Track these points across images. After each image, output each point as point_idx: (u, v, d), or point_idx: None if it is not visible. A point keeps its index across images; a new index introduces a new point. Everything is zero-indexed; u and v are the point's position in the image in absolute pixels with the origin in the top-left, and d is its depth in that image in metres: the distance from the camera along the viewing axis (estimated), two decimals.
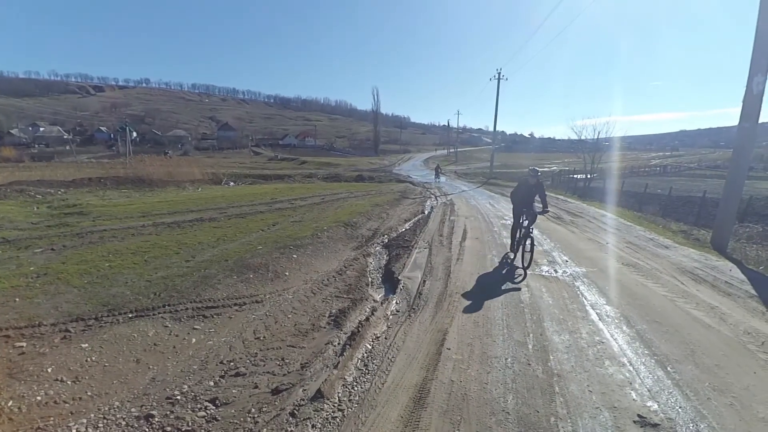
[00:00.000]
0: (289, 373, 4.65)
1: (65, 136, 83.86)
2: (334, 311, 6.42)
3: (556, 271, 8.24)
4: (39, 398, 3.93)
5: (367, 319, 6.08)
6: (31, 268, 7.52)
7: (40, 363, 4.47)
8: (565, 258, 9.23)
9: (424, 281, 7.76)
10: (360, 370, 4.74)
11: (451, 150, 79.83)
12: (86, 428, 3.61)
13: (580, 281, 7.59)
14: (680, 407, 3.84)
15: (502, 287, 7.27)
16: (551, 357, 4.77)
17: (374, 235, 12.13)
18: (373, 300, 7.17)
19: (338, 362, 4.82)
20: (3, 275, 7.09)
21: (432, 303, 6.66)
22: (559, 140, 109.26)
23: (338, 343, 5.38)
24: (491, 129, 49.06)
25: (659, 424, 3.60)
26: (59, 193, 19.05)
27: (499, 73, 38.18)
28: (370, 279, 8.39)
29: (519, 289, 7.13)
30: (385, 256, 10.05)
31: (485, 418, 3.69)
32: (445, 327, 5.67)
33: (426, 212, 16.61)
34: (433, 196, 22.25)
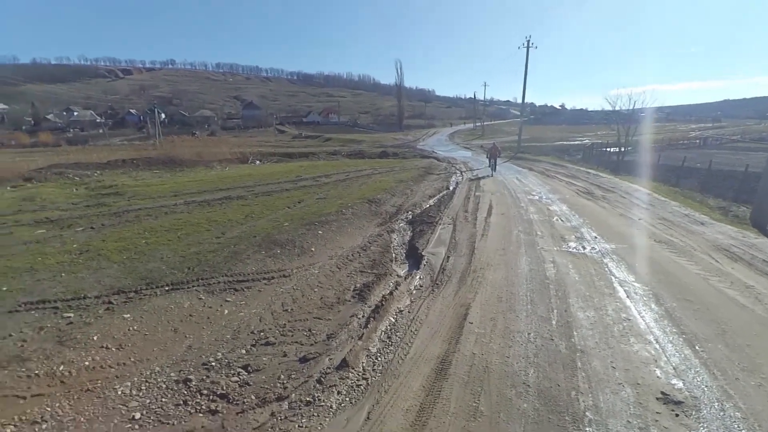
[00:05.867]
0: (315, 343, 4.84)
1: (98, 120, 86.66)
2: (358, 285, 6.57)
3: (584, 248, 8.08)
4: (87, 363, 4.28)
5: (391, 293, 6.20)
6: (74, 246, 8.00)
7: (86, 332, 4.83)
8: (595, 234, 9.02)
9: (448, 257, 7.79)
10: (383, 341, 4.88)
11: (477, 123, 77.66)
12: (130, 390, 3.92)
13: (608, 258, 7.44)
14: (706, 386, 3.79)
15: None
16: (575, 333, 4.76)
17: (398, 212, 12.16)
18: (397, 275, 7.27)
19: (362, 334, 4.98)
20: (49, 252, 7.59)
21: (455, 278, 6.71)
22: (591, 111, 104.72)
23: (362, 316, 5.53)
24: (520, 101, 47.11)
25: (683, 402, 3.58)
26: (95, 174, 19.89)
27: (528, 41, 36.27)
28: (394, 255, 8.48)
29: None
30: (409, 232, 10.09)
31: (506, 390, 3.76)
32: (468, 302, 5.72)
33: (451, 188, 16.46)
34: (458, 172, 21.95)
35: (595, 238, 8.76)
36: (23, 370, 4.12)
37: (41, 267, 6.84)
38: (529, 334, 4.76)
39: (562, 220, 10.37)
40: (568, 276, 6.57)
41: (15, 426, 3.43)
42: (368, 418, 3.54)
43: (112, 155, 27.64)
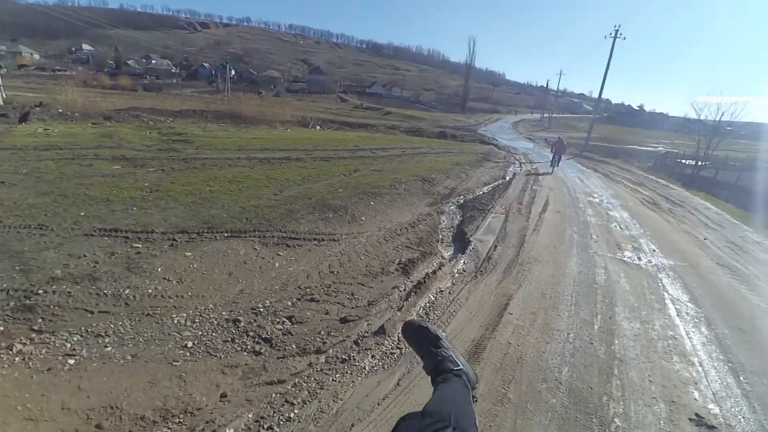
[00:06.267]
0: (356, 307, 5.07)
1: (173, 70, 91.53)
2: (403, 260, 6.71)
3: (639, 259, 7.69)
4: (150, 291, 4.76)
5: (434, 272, 6.29)
6: (146, 184, 8.74)
7: (152, 263, 5.33)
8: (653, 247, 8.52)
9: (496, 246, 7.72)
10: (421, 317, 5.02)
11: (545, 114, 73.81)
12: (185, 321, 4.35)
13: (664, 273, 7.04)
14: (743, 417, 3.61)
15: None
16: (616, 341, 4.64)
17: (450, 194, 12.09)
18: (442, 256, 7.33)
19: (402, 306, 5.14)
20: (123, 187, 8.36)
21: (501, 268, 6.68)
22: (672, 117, 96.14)
23: (404, 289, 5.68)
24: (595, 95, 43.97)
25: (716, 428, 3.44)
26: (168, 121, 21.24)
27: (617, 31, 33.39)
28: (441, 236, 8.52)
29: None
30: (458, 216, 10.05)
31: (537, 383, 3.79)
32: (511, 293, 5.69)
33: (507, 178, 16.03)
34: (517, 162, 21.24)
35: (654, 251, 8.28)
36: (94, 288, 4.64)
37: (115, 199, 7.56)
38: (568, 334, 4.70)
39: (620, 227, 9.87)
40: (619, 284, 6.32)
41: (81, 336, 3.90)
42: (398, 384, 3.72)
43: (183, 105, 29.32)
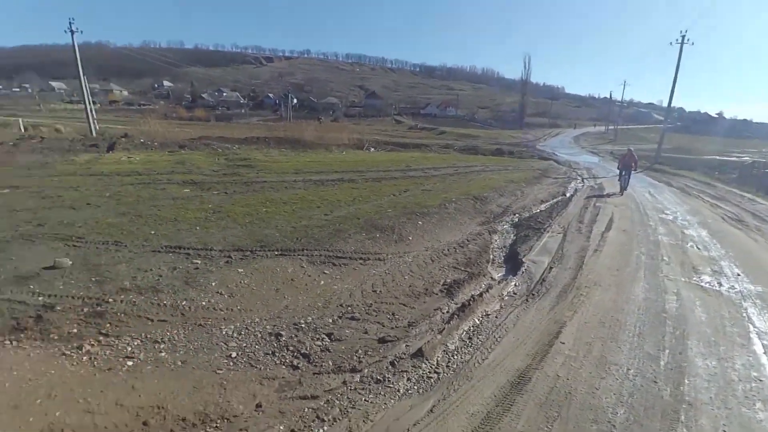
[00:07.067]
0: (396, 327, 4.99)
1: (241, 101, 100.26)
2: (448, 281, 6.54)
3: (720, 284, 6.83)
4: (204, 303, 5.09)
5: (481, 294, 6.05)
6: (209, 206, 9.42)
7: (207, 277, 5.70)
8: (738, 271, 7.53)
9: (551, 268, 7.28)
10: (463, 341, 4.82)
11: (610, 127, 69.52)
12: (233, 332, 4.59)
13: (750, 302, 6.16)
14: None
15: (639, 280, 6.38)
16: (686, 381, 4.10)
17: (504, 213, 11.69)
18: (491, 278, 7.06)
19: (443, 329, 4.97)
20: (190, 208, 9.09)
21: (555, 292, 6.26)
22: (757, 123, 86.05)
23: (447, 311, 5.51)
24: (665, 104, 40.81)
25: None
26: (234, 148, 22.92)
27: (683, 37, 30.87)
28: (491, 256, 8.23)
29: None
30: (512, 235, 9.65)
31: (585, 424, 3.43)
32: (564, 320, 5.30)
33: (567, 195, 15.18)
34: (579, 178, 20.08)
35: (738, 275, 7.31)
36: (156, 298, 5.07)
37: (182, 219, 8.25)
38: (628, 369, 4.23)
39: (698, 248, 8.87)
40: (693, 314, 5.63)
41: (141, 341, 4.26)
42: (431, 411, 3.57)
43: (249, 132, 31.52)
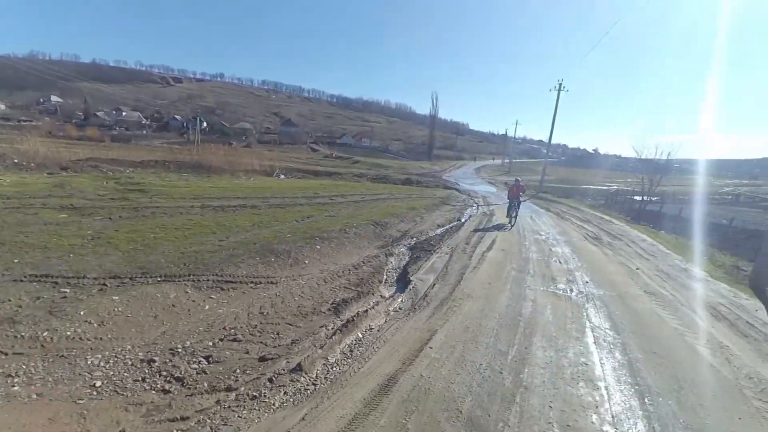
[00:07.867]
0: (279, 345, 5.13)
1: (143, 122, 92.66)
2: (337, 300, 6.83)
3: (570, 290, 8.09)
4: (68, 333, 4.74)
5: (366, 311, 6.44)
6: (89, 232, 8.70)
7: (76, 306, 5.31)
8: (587, 279, 8.99)
9: (434, 284, 7.97)
10: (345, 354, 5.12)
11: (506, 160, 77.92)
12: (99, 362, 4.34)
13: (591, 303, 7.43)
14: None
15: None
16: (526, 370, 4.85)
17: (402, 237, 12.44)
18: (380, 295, 7.51)
19: (325, 344, 5.22)
20: (65, 235, 8.30)
21: (434, 304, 6.88)
22: (625, 158, 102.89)
23: (331, 328, 5.78)
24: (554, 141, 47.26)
25: None
26: (127, 171, 21.28)
27: (560, 84, 36.70)
28: (385, 276, 8.73)
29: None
30: (406, 257, 10.32)
31: (438, 413, 3.91)
32: (436, 328, 5.87)
33: (462, 220, 16.61)
34: (475, 205, 22.06)
35: (586, 282, 8.73)
36: (12, 330, 4.63)
37: (54, 246, 7.51)
38: (481, 365, 4.87)
39: (560, 262, 10.36)
40: (543, 316, 6.62)
41: None
42: (303, 419, 3.77)
43: (148, 155, 29.36)
